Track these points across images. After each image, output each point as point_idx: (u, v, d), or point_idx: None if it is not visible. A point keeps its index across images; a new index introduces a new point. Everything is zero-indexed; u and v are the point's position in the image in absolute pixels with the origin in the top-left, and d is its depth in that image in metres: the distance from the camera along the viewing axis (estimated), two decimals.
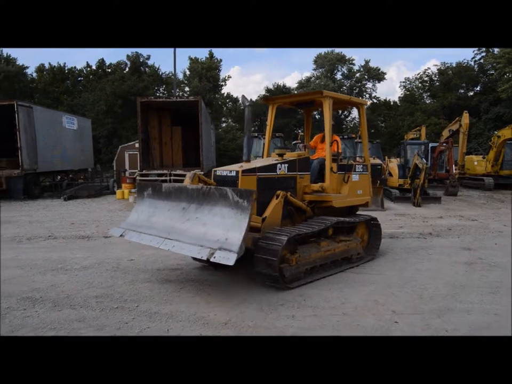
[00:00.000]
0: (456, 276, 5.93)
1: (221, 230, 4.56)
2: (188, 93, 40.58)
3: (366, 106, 7.61)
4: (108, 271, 6.19)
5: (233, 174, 5.62)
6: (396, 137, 38.49)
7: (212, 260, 4.28)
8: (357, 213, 7.47)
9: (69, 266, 6.49)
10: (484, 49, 37.29)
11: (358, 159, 8.33)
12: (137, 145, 20.23)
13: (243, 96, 6.54)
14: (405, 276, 5.92)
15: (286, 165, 6.17)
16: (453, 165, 18.47)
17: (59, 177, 21.43)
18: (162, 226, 5.18)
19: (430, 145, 21.86)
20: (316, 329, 4.08)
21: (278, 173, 6.05)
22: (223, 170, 5.84)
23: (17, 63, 40.66)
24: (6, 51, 40.13)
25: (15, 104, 16.54)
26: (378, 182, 15.71)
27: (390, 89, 68.72)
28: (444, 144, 18.88)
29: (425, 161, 14.89)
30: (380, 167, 17.84)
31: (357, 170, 7.14)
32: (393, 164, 18.45)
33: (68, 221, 11.21)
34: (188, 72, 43.36)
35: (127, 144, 29.33)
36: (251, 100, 6.20)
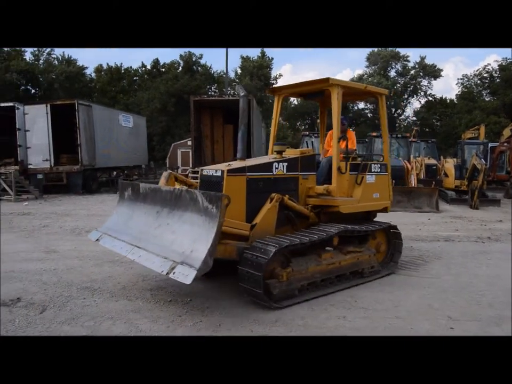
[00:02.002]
0: None
1: (188, 240, 4.06)
2: None
3: (385, 96, 6.63)
4: None
5: (219, 174, 4.92)
6: (453, 136, 37.08)
7: (171, 276, 3.78)
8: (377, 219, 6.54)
9: (125, 258, 6.70)
10: None
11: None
12: (189, 143, 20.60)
13: (238, 85, 6.27)
14: (461, 281, 5.70)
15: (285, 164, 5.41)
16: None
17: (115, 173, 22.32)
18: (136, 232, 4.79)
19: (490, 145, 20.93)
20: (367, 330, 4.02)
21: (275, 173, 5.31)
22: (209, 170, 5.19)
23: (78, 64, 42.68)
24: (68, 53, 42.24)
25: (76, 103, 17.32)
26: (433, 182, 15.27)
27: (446, 87, 66.57)
28: (505, 144, 18.08)
29: (484, 162, 14.27)
30: (435, 167, 17.33)
31: (372, 171, 6.19)
32: (449, 165, 17.79)
33: None
34: (239, 71, 43.90)
35: (179, 142, 30.08)
36: (247, 90, 5.81)
